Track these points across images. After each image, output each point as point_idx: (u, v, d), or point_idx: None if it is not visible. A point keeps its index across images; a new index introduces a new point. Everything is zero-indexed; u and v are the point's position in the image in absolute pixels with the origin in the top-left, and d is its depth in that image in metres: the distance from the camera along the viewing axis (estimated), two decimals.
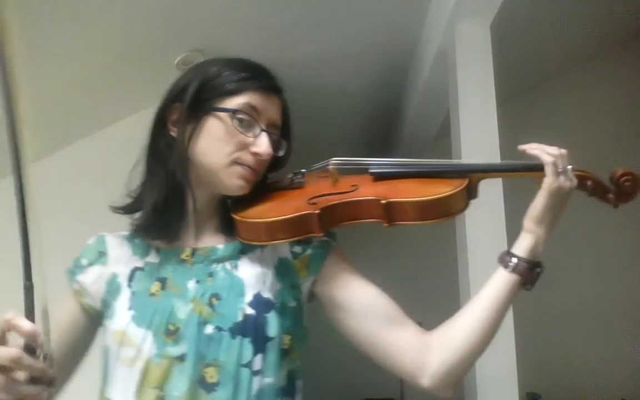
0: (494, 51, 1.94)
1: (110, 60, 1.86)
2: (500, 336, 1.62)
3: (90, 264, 0.88)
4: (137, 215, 0.90)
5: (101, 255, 0.88)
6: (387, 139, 3.53)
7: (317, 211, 0.83)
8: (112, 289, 0.86)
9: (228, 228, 0.90)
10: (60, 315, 0.88)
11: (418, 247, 3.31)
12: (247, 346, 0.80)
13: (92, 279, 0.87)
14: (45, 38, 1.61)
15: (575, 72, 3.61)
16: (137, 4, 1.70)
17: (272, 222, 0.85)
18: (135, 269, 0.87)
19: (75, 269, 0.88)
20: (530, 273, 0.83)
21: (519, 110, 3.49)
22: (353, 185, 0.89)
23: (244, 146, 0.85)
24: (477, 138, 1.86)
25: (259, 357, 0.80)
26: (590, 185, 0.87)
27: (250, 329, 0.81)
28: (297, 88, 2.79)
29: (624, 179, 0.86)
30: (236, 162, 0.85)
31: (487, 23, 1.97)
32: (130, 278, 0.87)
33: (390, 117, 3.30)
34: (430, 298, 2.72)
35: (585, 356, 3.33)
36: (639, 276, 3.36)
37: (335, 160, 0.91)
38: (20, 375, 0.65)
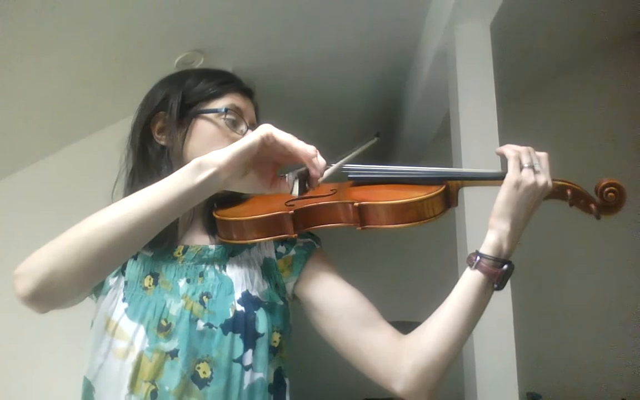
0: (494, 51, 1.94)
1: (110, 60, 1.86)
2: (500, 336, 1.64)
3: None
4: None
5: None
6: (387, 138, 3.53)
7: (290, 212, 0.86)
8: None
9: (213, 227, 0.92)
10: None
11: (417, 247, 3.31)
12: (238, 342, 0.83)
13: None
14: (44, 38, 1.62)
15: (575, 72, 3.61)
16: (137, 4, 1.70)
17: (245, 221, 0.88)
18: None
19: None
20: (493, 270, 0.81)
21: (519, 110, 3.49)
22: (332, 190, 0.92)
23: None
24: (477, 138, 1.85)
25: (249, 352, 0.83)
26: (570, 195, 0.86)
27: (241, 325, 0.83)
28: (297, 88, 2.80)
29: (607, 189, 0.85)
30: None
31: (487, 23, 1.97)
32: (123, 265, 0.88)
33: (390, 117, 3.30)
34: (429, 298, 2.72)
35: (585, 356, 3.33)
36: (639, 276, 3.36)
37: None
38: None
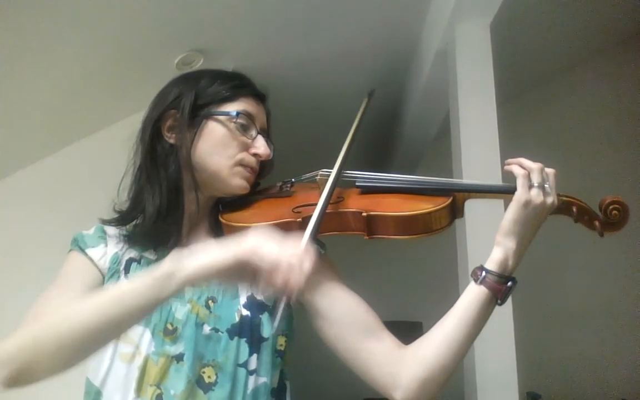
0: (494, 51, 1.94)
1: (110, 60, 1.86)
2: (500, 336, 1.64)
3: (94, 246, 0.89)
4: (130, 225, 0.92)
5: (102, 239, 0.90)
6: (387, 138, 3.53)
7: (298, 220, 0.85)
8: (114, 268, 0.87)
9: (219, 230, 0.91)
10: (81, 278, 0.86)
11: (418, 248, 3.31)
12: (244, 346, 0.83)
13: (99, 255, 0.88)
14: (44, 38, 1.62)
15: (575, 72, 3.61)
16: (137, 4, 1.70)
17: (253, 227, 0.86)
18: (131, 260, 0.89)
19: (84, 244, 0.89)
20: (498, 286, 0.81)
21: (519, 110, 3.49)
22: (339, 197, 0.90)
23: (245, 147, 0.91)
24: (477, 138, 1.85)
25: (254, 357, 0.83)
26: (575, 211, 0.86)
27: (246, 330, 0.84)
28: (297, 88, 2.80)
29: (612, 207, 0.85)
30: (239, 163, 0.90)
31: (487, 23, 1.97)
32: (126, 268, 0.88)
33: (390, 117, 3.30)
34: (430, 299, 2.72)
35: (585, 356, 3.33)
36: (637, 277, 3.36)
37: (323, 171, 0.93)
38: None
